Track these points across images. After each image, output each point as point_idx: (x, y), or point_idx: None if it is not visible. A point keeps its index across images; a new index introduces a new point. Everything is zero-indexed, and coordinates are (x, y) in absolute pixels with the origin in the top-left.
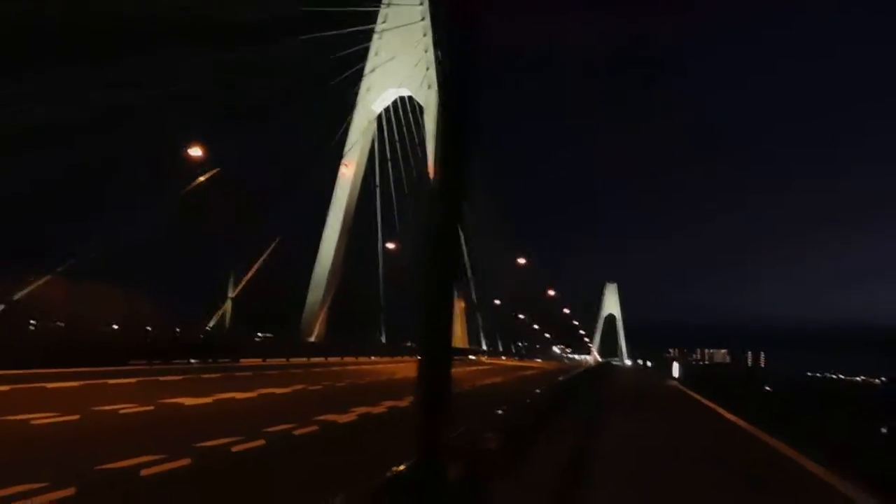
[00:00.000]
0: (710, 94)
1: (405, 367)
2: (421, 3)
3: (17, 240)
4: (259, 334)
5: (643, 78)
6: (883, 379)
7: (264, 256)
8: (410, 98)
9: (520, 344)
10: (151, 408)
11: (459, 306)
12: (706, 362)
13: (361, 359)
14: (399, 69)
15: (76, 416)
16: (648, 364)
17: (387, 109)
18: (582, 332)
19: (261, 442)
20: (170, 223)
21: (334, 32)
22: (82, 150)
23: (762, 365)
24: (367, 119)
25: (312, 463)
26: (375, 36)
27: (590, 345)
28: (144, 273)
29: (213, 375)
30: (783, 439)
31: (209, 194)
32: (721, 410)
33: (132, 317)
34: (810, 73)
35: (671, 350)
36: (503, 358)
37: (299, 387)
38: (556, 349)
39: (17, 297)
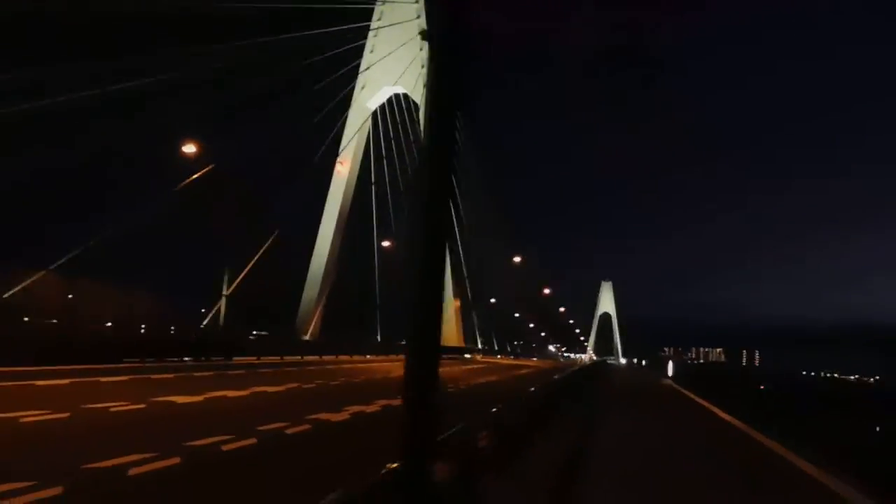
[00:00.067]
0: (711, 94)
1: (400, 366)
2: (416, 1)
3: (11, 236)
4: (254, 332)
5: (643, 78)
6: (877, 378)
7: (259, 254)
8: (406, 96)
9: (515, 343)
10: (143, 406)
11: (455, 305)
12: (701, 361)
13: (356, 357)
14: (394, 67)
15: (66, 414)
16: (643, 363)
17: (382, 107)
18: (577, 330)
19: (252, 441)
20: (166, 220)
21: (329, 29)
22: (76, 145)
23: (756, 364)
24: (362, 116)
25: (304, 462)
26: (371, 33)
27: (585, 343)
28: (141, 270)
29: (206, 374)
30: (775, 438)
31: (204, 191)
32: (715, 409)
33: (126, 314)
34: (810, 74)
35: (666, 349)
36: (498, 357)
37: (293, 385)
38: (551, 348)
39: (8, 294)
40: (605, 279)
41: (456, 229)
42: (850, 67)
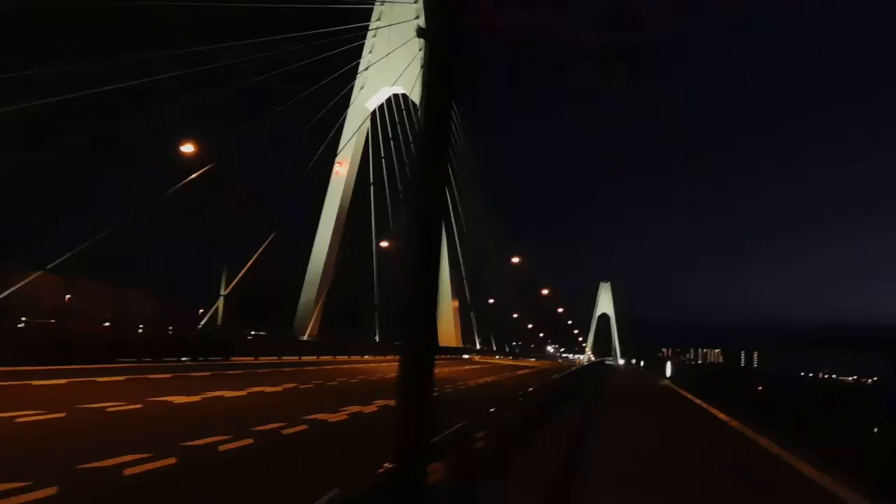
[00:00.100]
0: (711, 94)
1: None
2: (415, 1)
3: (9, 235)
4: (252, 332)
5: (643, 77)
6: (875, 378)
7: (257, 254)
8: (405, 96)
9: (514, 343)
10: (139, 406)
11: (454, 305)
12: (699, 362)
13: (354, 357)
14: (393, 67)
15: (62, 414)
16: (641, 363)
17: (381, 107)
18: (576, 331)
19: (249, 441)
20: (166, 219)
21: (329, 29)
22: (74, 145)
23: (755, 364)
24: (361, 117)
25: (300, 462)
26: (370, 33)
27: (583, 344)
28: (139, 270)
29: (203, 374)
30: (772, 438)
31: (204, 191)
32: (714, 411)
33: (125, 314)
34: (810, 73)
35: (664, 350)
36: (497, 357)
37: (290, 385)
38: (549, 349)
39: (4, 294)
40: (604, 280)
41: (455, 230)
42: (849, 67)
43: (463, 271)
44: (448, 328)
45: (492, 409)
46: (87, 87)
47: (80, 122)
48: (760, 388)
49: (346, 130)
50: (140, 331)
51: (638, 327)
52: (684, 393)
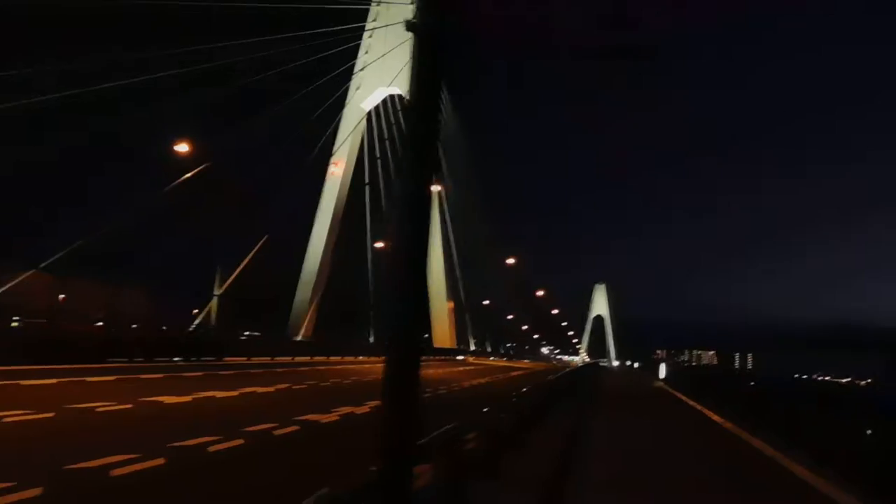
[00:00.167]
0: (711, 94)
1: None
2: (411, 2)
3: (7, 232)
4: (245, 333)
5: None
6: (868, 381)
7: (252, 254)
8: (401, 97)
9: (508, 345)
10: (130, 406)
11: (448, 307)
12: (693, 363)
13: (348, 358)
14: (389, 67)
15: (50, 414)
16: (636, 365)
17: (376, 108)
18: (571, 332)
19: (239, 441)
20: (160, 219)
21: (326, 29)
22: (73, 142)
23: (749, 366)
24: (356, 117)
25: (291, 463)
26: (366, 34)
27: (578, 346)
28: (133, 269)
29: (195, 374)
30: (766, 439)
31: (199, 190)
32: (707, 412)
33: (118, 314)
34: (810, 73)
35: (658, 351)
36: (491, 359)
37: (283, 386)
38: (544, 350)
39: None
40: (599, 282)
41: (451, 231)
42: (846, 67)
43: (458, 273)
44: (442, 329)
45: (485, 410)
46: (86, 85)
47: (78, 119)
48: (753, 382)
49: (342, 130)
50: (133, 330)
51: (633, 329)
52: (678, 394)
